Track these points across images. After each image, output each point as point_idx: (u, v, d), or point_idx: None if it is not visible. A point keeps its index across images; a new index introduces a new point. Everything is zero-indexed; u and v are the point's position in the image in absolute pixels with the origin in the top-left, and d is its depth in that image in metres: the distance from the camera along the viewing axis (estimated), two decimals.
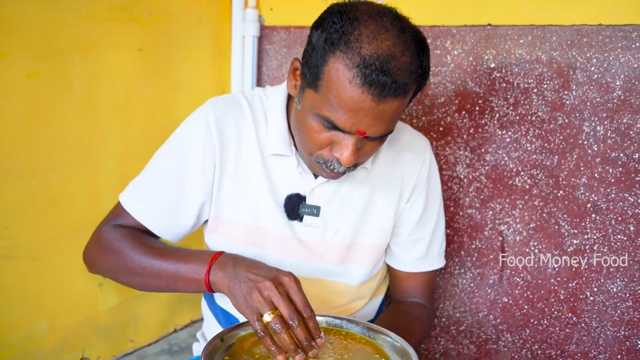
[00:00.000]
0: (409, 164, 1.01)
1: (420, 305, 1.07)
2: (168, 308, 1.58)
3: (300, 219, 0.97)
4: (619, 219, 1.04)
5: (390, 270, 1.11)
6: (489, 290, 1.22)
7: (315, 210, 0.96)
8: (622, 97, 1.01)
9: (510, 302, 1.19)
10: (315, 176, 0.97)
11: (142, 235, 0.97)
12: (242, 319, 1.00)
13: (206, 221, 1.02)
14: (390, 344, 0.83)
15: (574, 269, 1.10)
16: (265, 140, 0.96)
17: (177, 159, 0.97)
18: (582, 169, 1.07)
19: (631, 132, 1.01)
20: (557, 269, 1.12)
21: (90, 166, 1.33)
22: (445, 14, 1.21)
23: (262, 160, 0.96)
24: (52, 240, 1.28)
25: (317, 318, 0.79)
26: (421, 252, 1.05)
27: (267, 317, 0.73)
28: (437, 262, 1.08)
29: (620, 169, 1.02)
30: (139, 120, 1.42)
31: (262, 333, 0.74)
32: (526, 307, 1.17)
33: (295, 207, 0.96)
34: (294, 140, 0.96)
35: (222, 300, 1.07)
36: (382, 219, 1.01)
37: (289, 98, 0.99)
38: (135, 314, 1.49)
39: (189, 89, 1.53)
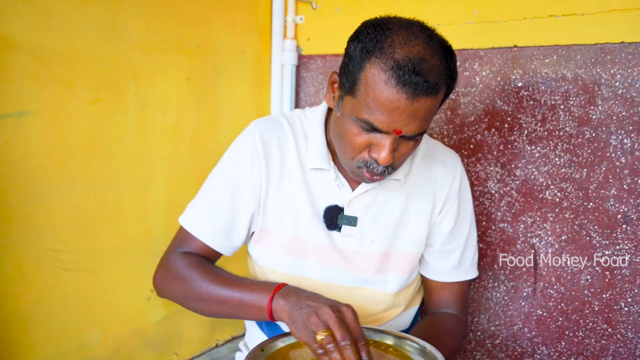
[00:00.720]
0: (441, 177, 1.07)
1: (453, 316, 1.10)
2: (211, 324, 1.64)
3: (339, 229, 1.03)
4: None
5: (424, 281, 1.15)
6: (523, 303, 1.24)
7: (353, 221, 1.02)
8: None
9: (545, 314, 1.21)
10: (352, 188, 1.04)
11: (207, 263, 1.04)
12: (285, 328, 1.06)
13: (252, 234, 1.10)
14: (419, 350, 0.86)
15: (607, 280, 1.11)
16: (306, 156, 1.04)
17: (229, 177, 1.04)
18: (611, 180, 1.09)
19: None
20: (590, 280, 1.13)
21: (141, 186, 1.43)
22: (474, 38, 1.27)
23: (303, 174, 1.03)
24: (106, 255, 1.37)
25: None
26: (454, 262, 1.09)
27: (321, 335, 0.78)
28: (469, 273, 1.11)
29: None
30: (186, 143, 1.52)
31: (320, 350, 0.78)
32: (561, 319, 1.18)
33: (333, 217, 1.02)
34: (332, 155, 1.03)
35: None
36: (415, 229, 1.06)
37: (327, 117, 1.06)
38: (180, 327, 1.57)
39: (232, 114, 1.63)
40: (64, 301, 1.30)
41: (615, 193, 1.09)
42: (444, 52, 0.86)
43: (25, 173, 1.19)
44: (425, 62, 0.82)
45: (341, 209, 1.03)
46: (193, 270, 1.00)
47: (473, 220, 1.12)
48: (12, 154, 1.16)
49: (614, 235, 1.10)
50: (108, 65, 1.30)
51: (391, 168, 0.92)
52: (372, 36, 0.85)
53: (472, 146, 1.30)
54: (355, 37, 0.89)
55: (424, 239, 1.07)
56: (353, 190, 1.03)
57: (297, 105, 1.69)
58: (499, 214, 1.26)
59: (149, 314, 1.49)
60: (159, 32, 1.40)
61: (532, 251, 1.22)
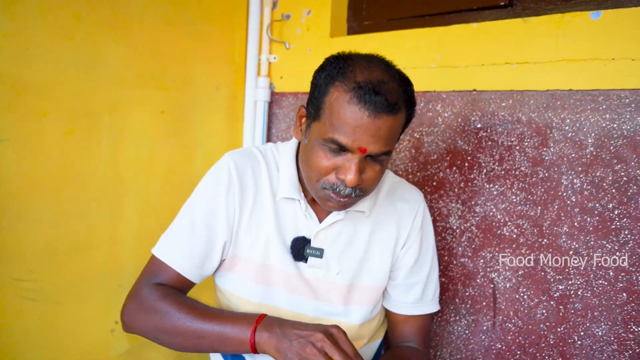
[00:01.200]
0: (404, 213, 1.11)
1: (415, 350, 1.12)
2: (177, 356, 1.62)
3: (305, 260, 1.06)
4: (599, 264, 1.11)
5: (387, 314, 1.18)
6: (483, 337, 1.27)
7: (319, 253, 1.05)
8: (594, 153, 1.11)
9: (504, 348, 1.24)
10: (320, 220, 1.07)
11: (182, 296, 1.02)
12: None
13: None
14: None
15: (561, 314, 1.16)
16: (277, 186, 1.06)
17: (204, 206, 1.05)
18: (563, 218, 1.15)
19: (604, 184, 1.10)
20: (545, 314, 1.18)
21: (112, 217, 1.44)
22: (436, 81, 1.35)
23: (274, 204, 1.06)
24: (72, 286, 1.37)
25: None
26: (416, 296, 1.12)
27: None
28: (431, 306, 1.14)
29: (597, 218, 1.11)
30: (159, 175, 1.55)
31: None
32: (519, 352, 1.22)
33: (300, 249, 1.05)
34: (302, 186, 1.06)
35: None
36: (379, 263, 1.09)
37: (298, 151, 1.10)
38: None
39: (205, 148, 1.66)
40: (26, 332, 1.28)
41: (567, 230, 1.15)
42: (401, 78, 0.93)
43: None
44: (385, 84, 0.88)
45: (308, 241, 1.06)
46: (168, 303, 0.97)
47: (435, 256, 1.16)
48: None
49: (566, 270, 1.15)
50: (84, 96, 1.33)
51: (359, 191, 0.95)
52: (336, 64, 0.92)
53: (434, 183, 1.35)
54: (320, 69, 0.95)
55: (387, 273, 1.10)
56: (320, 222, 1.07)
57: (269, 140, 1.74)
58: (460, 249, 1.31)
59: (112, 347, 1.47)
60: (136, 66, 1.44)
61: (492, 285, 1.26)
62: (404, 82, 0.93)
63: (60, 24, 1.26)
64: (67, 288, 1.35)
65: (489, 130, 1.26)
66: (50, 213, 1.30)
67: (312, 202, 1.08)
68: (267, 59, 1.69)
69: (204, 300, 1.02)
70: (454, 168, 1.32)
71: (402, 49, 1.40)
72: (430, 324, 1.18)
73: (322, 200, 0.98)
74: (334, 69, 0.91)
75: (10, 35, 1.18)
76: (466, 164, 1.30)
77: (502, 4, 1.27)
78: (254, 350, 0.89)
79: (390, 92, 0.88)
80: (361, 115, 0.87)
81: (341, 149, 0.91)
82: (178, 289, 1.04)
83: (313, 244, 1.06)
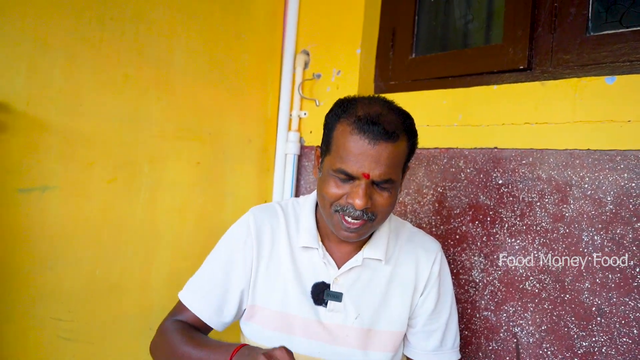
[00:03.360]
0: (422, 261, 1.15)
1: None
2: None
3: (325, 304, 1.11)
4: (623, 322, 1.11)
5: None
6: None
7: (338, 297, 1.10)
8: (613, 211, 1.14)
9: None
10: (339, 266, 1.12)
11: (191, 329, 1.11)
12: None
13: (243, 311, 1.17)
14: None
15: None
16: (296, 238, 1.14)
17: (224, 257, 1.16)
18: (584, 274, 1.17)
19: (625, 242, 1.12)
20: None
21: (146, 261, 1.51)
22: (459, 139, 1.41)
23: (292, 254, 1.13)
24: (105, 327, 1.42)
25: None
26: (436, 343, 1.14)
27: None
28: (451, 355, 1.16)
29: (619, 274, 1.13)
30: (191, 222, 1.62)
31: None
32: None
33: (320, 293, 1.10)
34: (320, 236, 1.14)
35: None
36: (397, 308, 1.13)
37: (317, 204, 1.18)
38: None
39: (236, 198, 1.74)
40: None
41: (589, 286, 1.16)
42: (400, 112, 1.03)
43: (40, 242, 1.28)
44: (383, 116, 0.98)
45: (327, 285, 1.11)
46: (176, 334, 1.08)
47: (454, 304, 1.19)
48: (31, 224, 1.26)
49: (590, 327, 1.15)
50: (127, 148, 1.44)
51: (371, 214, 1.01)
52: (341, 105, 1.04)
53: (457, 236, 1.39)
54: (329, 111, 1.07)
55: (405, 319, 1.13)
56: (339, 268, 1.12)
57: (298, 191, 1.81)
58: (482, 302, 1.33)
59: None
60: (175, 120, 1.55)
61: (515, 340, 1.26)
62: (403, 115, 1.03)
63: (111, 82, 1.38)
64: (101, 329, 1.41)
65: (510, 187, 1.30)
66: (89, 255, 1.37)
67: (330, 249, 1.14)
68: (298, 114, 1.79)
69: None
70: (477, 222, 1.36)
71: (427, 108, 1.48)
72: None
73: (335, 227, 1.05)
74: (339, 109, 1.03)
75: (65, 90, 1.29)
76: (488, 219, 1.34)
77: (521, 67, 1.34)
78: None
79: (388, 122, 0.97)
80: (362, 144, 0.96)
81: (349, 177, 0.99)
82: (197, 328, 1.13)
83: (332, 288, 1.11)
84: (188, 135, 1.59)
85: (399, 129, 0.99)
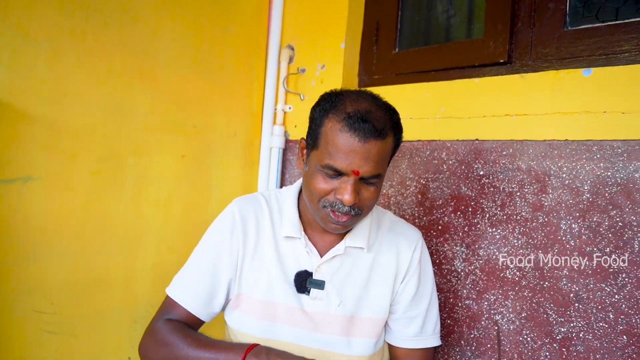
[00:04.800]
0: (403, 249, 1.17)
1: None
2: None
3: (308, 292, 1.12)
4: (599, 307, 1.14)
5: (390, 350, 1.21)
6: None
7: (321, 285, 1.12)
8: (590, 199, 1.17)
9: None
10: (321, 255, 1.14)
11: (188, 329, 1.11)
12: None
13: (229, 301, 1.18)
14: None
15: (564, 357, 1.18)
16: (279, 228, 1.16)
17: (211, 248, 1.16)
18: (562, 262, 1.20)
19: (601, 229, 1.15)
20: (549, 357, 1.20)
21: (130, 254, 1.51)
22: (441, 131, 1.43)
23: (275, 244, 1.15)
24: (89, 320, 1.42)
25: None
26: (416, 329, 1.16)
27: None
28: (432, 340, 1.18)
29: (595, 261, 1.16)
30: (177, 215, 1.62)
31: None
32: None
33: (303, 281, 1.12)
34: (303, 226, 1.15)
35: None
36: (379, 295, 1.14)
37: (299, 194, 1.20)
38: None
39: (222, 191, 1.74)
40: None
41: (567, 273, 1.19)
42: (387, 108, 1.04)
43: (23, 234, 1.27)
44: (372, 113, 0.99)
45: (310, 274, 1.12)
46: (175, 335, 1.06)
47: (434, 291, 1.21)
48: (13, 216, 1.25)
49: (568, 313, 1.18)
50: (111, 139, 1.43)
51: (357, 209, 1.03)
52: (329, 99, 1.04)
53: (440, 227, 1.41)
54: (316, 104, 1.07)
55: (387, 305, 1.15)
56: (322, 256, 1.14)
57: (282, 184, 1.82)
58: (464, 291, 1.35)
59: None
60: (160, 112, 1.54)
61: (496, 327, 1.29)
62: (390, 111, 1.04)
63: (95, 73, 1.38)
64: (85, 321, 1.40)
65: (491, 177, 1.33)
66: (73, 248, 1.37)
67: (313, 238, 1.15)
68: (283, 109, 1.80)
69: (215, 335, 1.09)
70: (458, 213, 1.38)
71: (410, 101, 1.50)
72: (432, 358, 1.21)
73: (323, 221, 1.06)
74: (327, 103, 1.03)
75: (49, 81, 1.29)
76: (470, 209, 1.36)
77: (501, 61, 1.37)
78: None
79: (377, 120, 0.98)
80: (352, 141, 0.97)
81: (337, 173, 1.00)
82: (188, 325, 1.12)
83: (315, 276, 1.12)
84: (173, 128, 1.59)
85: (387, 126, 1.01)
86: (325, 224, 1.07)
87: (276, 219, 1.18)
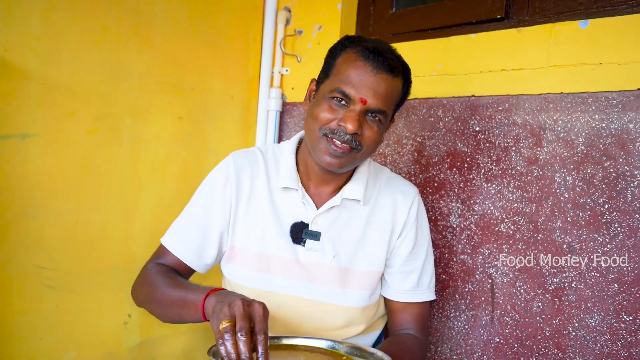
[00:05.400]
0: (400, 204, 1.18)
1: (413, 337, 1.17)
2: (184, 354, 1.67)
3: (303, 243, 1.13)
4: (592, 257, 1.16)
5: (386, 303, 1.23)
6: (482, 331, 1.31)
7: (317, 236, 1.13)
8: (584, 152, 1.18)
9: (502, 341, 1.28)
10: (317, 207, 1.15)
11: (172, 272, 1.13)
12: None
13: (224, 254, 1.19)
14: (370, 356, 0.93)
15: (556, 306, 1.20)
16: (275, 180, 1.17)
17: (203, 199, 1.18)
18: (556, 214, 1.21)
19: (595, 180, 1.16)
20: (541, 307, 1.22)
21: (128, 213, 1.52)
22: (437, 88, 1.43)
23: (271, 196, 1.15)
24: (88, 277, 1.43)
25: (314, 340, 0.94)
26: (413, 283, 1.18)
27: (223, 325, 0.79)
28: (427, 295, 1.20)
29: (589, 212, 1.17)
30: (174, 177, 1.63)
31: (218, 339, 0.79)
32: (516, 345, 1.25)
33: (299, 232, 1.13)
34: (300, 177, 1.16)
35: None
36: (375, 248, 1.16)
37: (298, 147, 1.20)
38: (153, 355, 1.59)
39: (219, 153, 1.75)
40: (43, 318, 1.35)
41: (561, 225, 1.20)
42: (402, 60, 1.10)
43: (21, 191, 1.28)
44: (387, 52, 1.04)
45: (306, 225, 1.13)
46: (158, 277, 1.09)
47: (430, 246, 1.22)
48: (11, 172, 1.26)
49: (561, 264, 1.20)
50: (108, 99, 1.43)
51: (357, 142, 1.04)
52: (348, 38, 1.09)
53: (436, 184, 1.42)
54: (335, 44, 1.11)
55: (382, 259, 1.16)
56: (318, 208, 1.14)
57: None
58: (459, 246, 1.36)
59: (124, 339, 1.53)
60: (157, 73, 1.54)
61: (490, 281, 1.31)
62: (403, 61, 1.10)
63: (90, 32, 1.37)
64: (84, 278, 1.42)
65: (486, 133, 1.33)
66: (71, 205, 1.38)
67: (309, 190, 1.16)
68: (280, 71, 1.79)
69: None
70: (454, 169, 1.39)
71: (406, 59, 1.48)
72: (428, 314, 1.23)
73: (321, 151, 1.05)
74: (347, 40, 1.08)
75: (44, 38, 1.28)
76: (465, 165, 1.37)
77: (498, 16, 1.36)
78: (203, 314, 0.92)
79: (391, 57, 1.03)
80: (364, 71, 1.01)
81: (345, 100, 1.03)
82: (178, 272, 1.15)
83: (311, 227, 1.13)
84: (170, 90, 1.59)
85: (399, 68, 1.05)
86: (322, 155, 1.05)
87: (272, 171, 1.18)
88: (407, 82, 1.10)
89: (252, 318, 0.81)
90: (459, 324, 1.36)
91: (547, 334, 1.21)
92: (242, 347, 0.78)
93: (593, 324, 1.15)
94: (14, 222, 1.27)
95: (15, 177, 1.27)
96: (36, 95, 1.29)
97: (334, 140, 1.04)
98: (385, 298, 1.22)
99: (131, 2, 1.46)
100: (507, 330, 1.27)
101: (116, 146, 1.47)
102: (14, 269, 1.28)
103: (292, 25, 1.79)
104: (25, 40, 1.26)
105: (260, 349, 0.79)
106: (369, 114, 1.04)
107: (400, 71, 1.06)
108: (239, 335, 0.78)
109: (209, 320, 0.90)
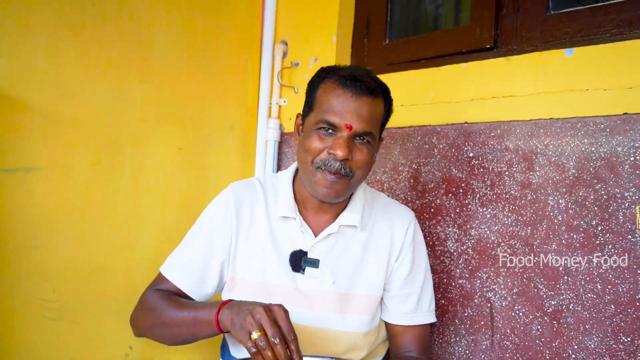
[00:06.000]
0: (396, 228, 1.21)
1: (414, 357, 1.17)
2: None
3: (303, 271, 1.15)
4: (588, 279, 1.17)
5: (387, 327, 1.24)
6: (483, 356, 1.31)
7: (315, 263, 1.15)
8: (576, 175, 1.21)
9: None
10: (315, 235, 1.17)
11: (175, 295, 1.15)
12: None
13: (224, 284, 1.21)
14: None
15: (555, 329, 1.21)
16: (274, 209, 1.19)
17: (204, 230, 1.20)
18: (551, 236, 1.23)
19: (587, 203, 1.19)
20: (540, 330, 1.23)
21: (129, 243, 1.53)
22: (431, 116, 1.47)
23: (270, 225, 1.18)
24: (90, 307, 1.44)
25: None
26: (412, 306, 1.19)
27: (255, 335, 0.86)
28: (427, 317, 1.21)
29: (583, 234, 1.19)
30: (175, 206, 1.65)
31: (253, 349, 0.86)
32: None
33: (298, 260, 1.15)
34: (298, 206, 1.19)
35: (239, 352, 1.21)
36: (373, 273, 1.17)
37: (295, 176, 1.24)
38: None
39: (218, 183, 1.77)
40: (45, 349, 1.35)
41: (556, 247, 1.22)
42: (378, 80, 1.13)
43: (25, 222, 1.30)
44: (364, 76, 1.08)
45: (305, 253, 1.15)
46: (160, 301, 1.12)
47: (428, 269, 1.24)
48: (15, 204, 1.28)
49: (557, 286, 1.21)
50: (110, 130, 1.47)
51: (348, 169, 1.07)
52: (324, 69, 1.13)
53: (432, 210, 1.45)
54: (313, 77, 1.15)
55: (381, 283, 1.18)
56: (316, 236, 1.17)
57: None
58: (457, 271, 1.38)
59: None
60: (158, 105, 1.58)
61: (489, 305, 1.32)
62: (380, 81, 1.13)
63: (93, 65, 1.42)
64: (85, 309, 1.43)
65: (480, 159, 1.36)
66: (74, 236, 1.40)
67: (306, 220, 1.19)
68: (278, 102, 1.83)
69: None
70: (450, 195, 1.41)
71: (400, 88, 1.54)
72: (429, 336, 1.23)
73: (316, 184, 1.09)
74: (323, 72, 1.12)
75: (48, 73, 1.33)
76: (461, 190, 1.39)
77: (487, 46, 1.41)
78: (219, 328, 0.97)
79: (368, 80, 1.07)
80: (345, 98, 1.05)
81: (332, 128, 1.06)
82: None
83: (310, 255, 1.15)
84: (170, 121, 1.63)
85: (377, 89, 1.09)
86: (317, 188, 1.09)
87: (271, 201, 1.21)
88: (387, 101, 1.13)
89: (276, 322, 0.87)
90: (460, 349, 1.36)
91: (547, 358, 1.21)
92: (281, 351, 0.84)
93: (592, 346, 1.15)
94: (16, 253, 1.29)
95: (19, 209, 1.29)
96: (40, 128, 1.32)
97: (327, 171, 1.07)
98: (386, 322, 1.23)
99: (133, 36, 1.51)
100: (507, 355, 1.27)
101: (118, 177, 1.50)
102: (16, 300, 1.29)
103: (289, 57, 1.84)
104: (30, 75, 1.30)
105: (293, 349, 0.86)
106: (357, 138, 1.07)
107: (379, 91, 1.09)
108: (273, 340, 0.84)
109: (224, 332, 0.97)
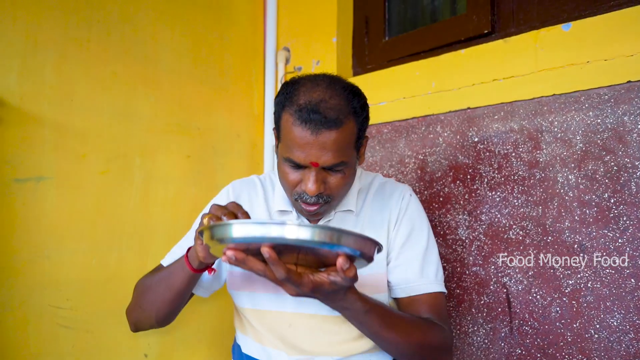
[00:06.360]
0: (392, 202, 1.17)
1: (426, 318, 1.08)
2: None
3: None
4: (604, 254, 1.13)
5: (398, 306, 1.18)
6: (502, 344, 1.27)
7: None
8: (583, 149, 1.18)
9: (524, 352, 1.23)
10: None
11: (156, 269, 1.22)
12: None
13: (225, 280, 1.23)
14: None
15: (574, 309, 1.16)
16: (272, 202, 1.20)
17: None
18: (563, 214, 1.20)
19: (597, 176, 1.15)
20: (560, 312, 1.18)
21: (140, 251, 1.55)
22: (434, 105, 1.46)
23: (270, 219, 1.18)
24: (103, 315, 1.44)
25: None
26: (415, 273, 1.11)
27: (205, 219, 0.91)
28: (436, 286, 1.11)
29: (596, 209, 1.15)
30: (184, 214, 1.66)
31: (200, 223, 0.93)
32: (539, 355, 1.21)
33: None
34: None
35: (248, 349, 1.19)
36: None
37: None
38: None
39: None
40: (59, 358, 1.35)
41: (569, 225, 1.19)
42: (346, 93, 1.00)
43: (37, 231, 1.32)
44: (324, 102, 0.96)
45: None
46: (144, 278, 1.20)
47: (431, 238, 1.16)
48: (27, 213, 1.31)
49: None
50: (118, 141, 1.50)
51: (326, 197, 1.03)
52: (285, 91, 1.02)
53: (441, 199, 1.42)
54: (276, 96, 1.06)
55: (384, 259, 1.13)
56: None
57: None
58: (471, 258, 1.34)
59: None
60: (165, 115, 1.61)
61: (505, 290, 1.28)
62: (350, 95, 1.00)
63: (100, 78, 1.46)
64: (99, 317, 1.43)
65: (485, 143, 1.35)
66: (86, 245, 1.41)
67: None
68: None
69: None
70: (458, 182, 1.39)
71: (401, 81, 1.54)
72: (444, 306, 1.13)
73: (299, 210, 1.09)
74: (283, 95, 1.02)
75: (57, 86, 1.37)
76: (468, 177, 1.37)
77: (485, 32, 1.41)
78: (190, 266, 1.02)
79: (329, 110, 0.96)
80: (305, 135, 0.96)
81: (298, 166, 1.00)
82: None
83: None
84: (177, 130, 1.66)
85: (343, 113, 0.97)
86: (301, 213, 1.10)
87: (270, 195, 1.23)
88: (359, 116, 1.02)
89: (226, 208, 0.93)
90: (478, 338, 1.32)
91: (569, 340, 1.16)
92: (220, 212, 0.91)
93: (615, 323, 1.10)
94: (29, 262, 1.31)
95: (31, 218, 1.31)
96: (50, 139, 1.35)
97: (302, 203, 1.04)
98: (396, 302, 1.18)
99: (138, 50, 1.55)
100: (527, 340, 1.23)
101: (127, 186, 1.52)
102: (29, 309, 1.30)
103: (292, 63, 1.86)
104: (40, 89, 1.34)
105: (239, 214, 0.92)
106: (328, 169, 1.01)
107: (345, 114, 0.98)
108: (220, 213, 0.91)
109: (197, 271, 1.02)
